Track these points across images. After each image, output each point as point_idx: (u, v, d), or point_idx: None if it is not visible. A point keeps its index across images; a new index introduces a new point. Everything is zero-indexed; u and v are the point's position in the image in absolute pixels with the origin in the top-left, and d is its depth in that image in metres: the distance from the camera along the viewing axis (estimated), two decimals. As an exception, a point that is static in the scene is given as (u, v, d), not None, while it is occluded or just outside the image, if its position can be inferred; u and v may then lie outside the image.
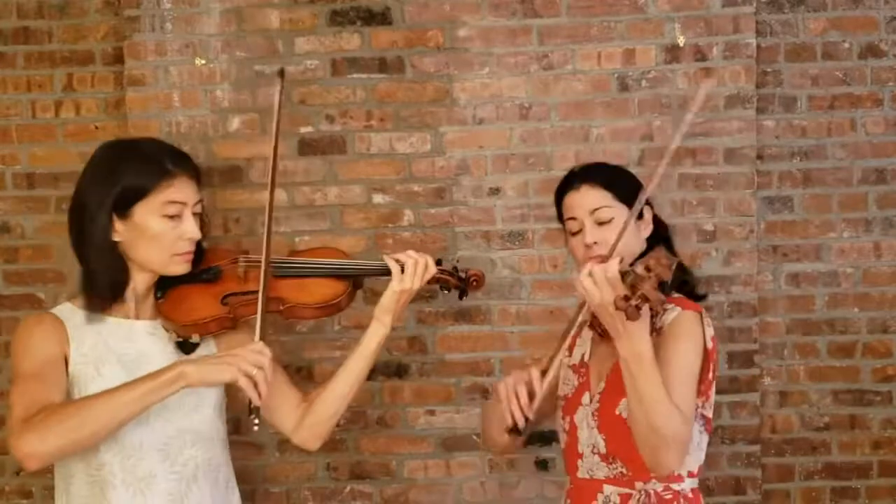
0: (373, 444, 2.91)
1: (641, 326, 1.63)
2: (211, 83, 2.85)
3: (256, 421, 1.70)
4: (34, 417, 1.59)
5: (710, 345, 1.85)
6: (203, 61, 2.84)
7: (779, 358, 2.94)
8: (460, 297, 1.98)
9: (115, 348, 1.77)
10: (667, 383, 1.70)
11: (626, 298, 1.56)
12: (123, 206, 1.73)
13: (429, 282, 1.88)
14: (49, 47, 2.96)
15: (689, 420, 1.75)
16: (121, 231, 1.75)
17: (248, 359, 1.66)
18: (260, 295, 1.77)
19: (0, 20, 2.96)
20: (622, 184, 1.91)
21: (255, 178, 2.86)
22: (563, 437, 1.98)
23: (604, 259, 1.72)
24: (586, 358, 1.98)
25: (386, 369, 2.89)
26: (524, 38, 2.82)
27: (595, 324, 1.84)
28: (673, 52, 2.80)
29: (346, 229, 2.87)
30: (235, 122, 2.86)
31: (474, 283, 1.96)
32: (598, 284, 1.64)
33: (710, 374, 1.86)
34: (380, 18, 2.83)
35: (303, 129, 2.85)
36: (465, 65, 2.83)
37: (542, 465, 2.91)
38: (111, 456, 1.73)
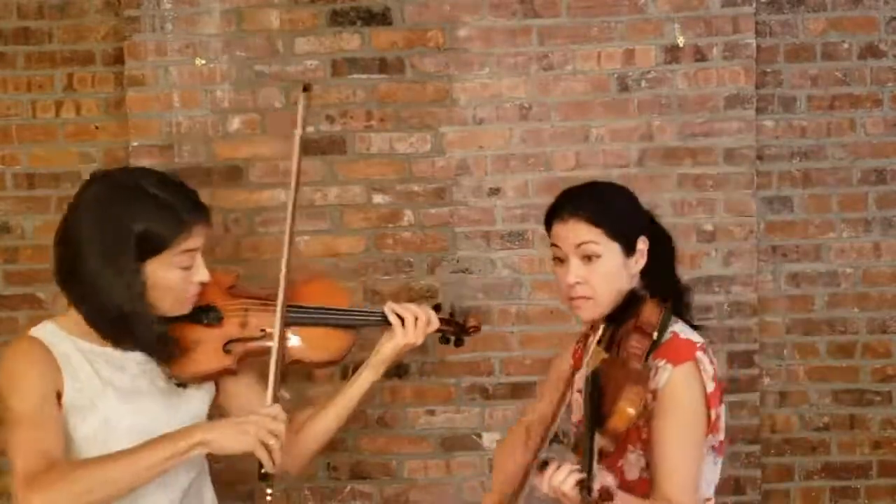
0: (373, 444, 2.91)
1: None
2: (211, 83, 2.85)
3: (269, 491, 1.68)
4: (40, 475, 1.54)
5: (710, 388, 1.73)
6: (203, 61, 2.84)
7: (779, 358, 2.94)
8: (456, 345, 1.94)
9: (108, 378, 1.70)
10: (661, 471, 1.65)
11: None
12: (139, 260, 1.66)
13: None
14: (49, 47, 2.96)
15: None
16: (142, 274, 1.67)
17: (267, 427, 1.63)
18: (273, 352, 1.72)
19: (0, 20, 2.96)
20: (615, 218, 1.77)
21: (255, 178, 2.86)
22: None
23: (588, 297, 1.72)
24: None
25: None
26: (524, 39, 2.82)
27: (603, 338, 1.75)
28: (673, 53, 2.80)
29: (346, 229, 2.87)
30: (235, 123, 2.86)
31: (472, 330, 1.93)
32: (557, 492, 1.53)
33: (714, 416, 1.74)
34: (380, 18, 2.83)
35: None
36: (465, 65, 2.83)
37: (543, 465, 2.90)
38: None
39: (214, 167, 2.84)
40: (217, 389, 1.86)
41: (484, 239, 2.87)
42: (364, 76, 2.85)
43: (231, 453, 1.64)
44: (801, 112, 2.90)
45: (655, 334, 1.70)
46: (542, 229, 2.78)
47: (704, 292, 2.83)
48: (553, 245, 1.81)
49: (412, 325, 1.81)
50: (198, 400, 1.80)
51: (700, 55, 2.80)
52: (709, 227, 2.84)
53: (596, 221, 1.75)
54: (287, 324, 1.78)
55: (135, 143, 2.85)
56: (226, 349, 1.76)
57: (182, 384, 1.76)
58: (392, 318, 1.81)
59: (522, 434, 1.94)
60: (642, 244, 1.80)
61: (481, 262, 2.86)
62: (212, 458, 1.88)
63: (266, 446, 1.62)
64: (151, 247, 1.65)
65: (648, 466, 1.74)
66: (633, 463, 1.76)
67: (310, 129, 2.86)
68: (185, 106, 2.85)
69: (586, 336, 1.95)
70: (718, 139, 2.82)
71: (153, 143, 2.85)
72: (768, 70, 2.88)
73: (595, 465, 1.52)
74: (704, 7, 2.79)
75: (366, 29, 2.83)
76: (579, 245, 1.75)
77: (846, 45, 2.89)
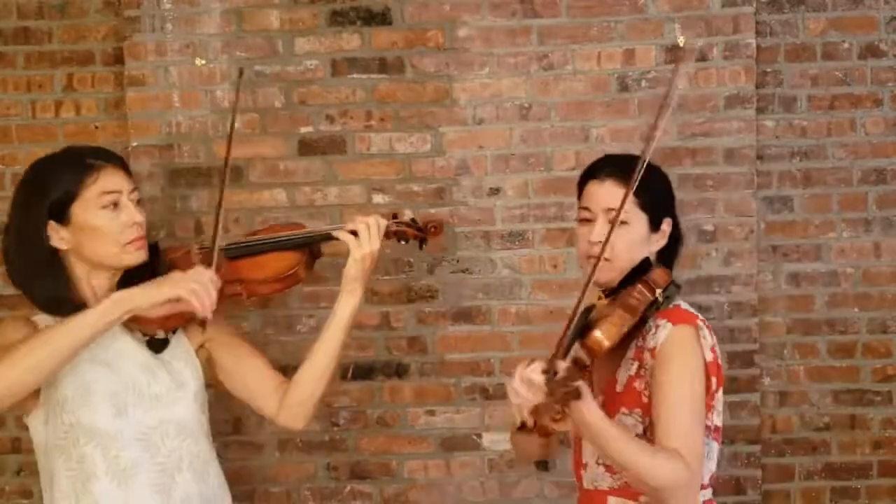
0: (373, 444, 2.91)
1: (581, 403, 1.53)
2: (211, 83, 2.85)
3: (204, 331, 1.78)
4: None
5: (709, 357, 1.75)
6: (203, 61, 2.84)
7: (779, 358, 2.94)
8: (420, 247, 1.95)
9: (91, 348, 1.74)
10: (663, 422, 1.66)
11: (554, 397, 1.50)
12: (60, 213, 1.75)
13: (387, 236, 1.89)
14: (49, 47, 2.96)
15: (692, 460, 1.64)
16: (66, 238, 1.77)
17: (189, 276, 1.69)
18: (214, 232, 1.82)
19: (0, 20, 2.96)
20: (651, 191, 1.79)
21: (255, 178, 2.86)
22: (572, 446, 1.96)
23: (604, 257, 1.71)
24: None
25: (386, 369, 2.89)
26: (524, 39, 2.82)
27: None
28: (673, 53, 2.80)
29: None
30: (236, 123, 2.85)
31: (433, 230, 1.93)
32: (522, 390, 1.55)
33: (714, 386, 1.76)
34: (380, 18, 2.83)
35: (303, 129, 2.85)
36: (465, 65, 2.83)
37: (542, 465, 2.90)
38: (92, 448, 1.74)
39: (214, 167, 2.84)
40: (214, 368, 1.93)
41: (484, 239, 2.86)
42: (364, 76, 2.84)
43: (157, 302, 1.68)
44: (801, 112, 2.90)
45: (659, 293, 1.73)
46: (542, 229, 2.85)
47: (704, 292, 2.83)
48: (582, 207, 1.85)
49: (365, 235, 1.84)
50: (179, 370, 1.85)
51: (700, 55, 2.80)
52: (709, 227, 2.84)
53: (635, 189, 1.75)
54: (234, 258, 1.87)
55: (135, 143, 2.85)
56: None
57: (156, 346, 1.84)
58: (344, 236, 1.86)
59: None
60: (666, 225, 1.84)
61: (481, 262, 2.86)
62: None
63: (192, 291, 1.67)
64: (66, 197, 1.74)
65: (646, 432, 1.74)
66: (629, 427, 1.76)
67: (310, 128, 2.87)
68: (185, 106, 2.85)
69: None
70: (718, 139, 2.82)
71: (153, 143, 2.85)
72: (768, 70, 2.88)
73: (566, 357, 1.59)
74: (704, 7, 2.79)
75: (366, 29, 2.83)
76: (609, 210, 1.77)
77: (846, 45, 2.88)
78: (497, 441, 2.87)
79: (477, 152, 2.85)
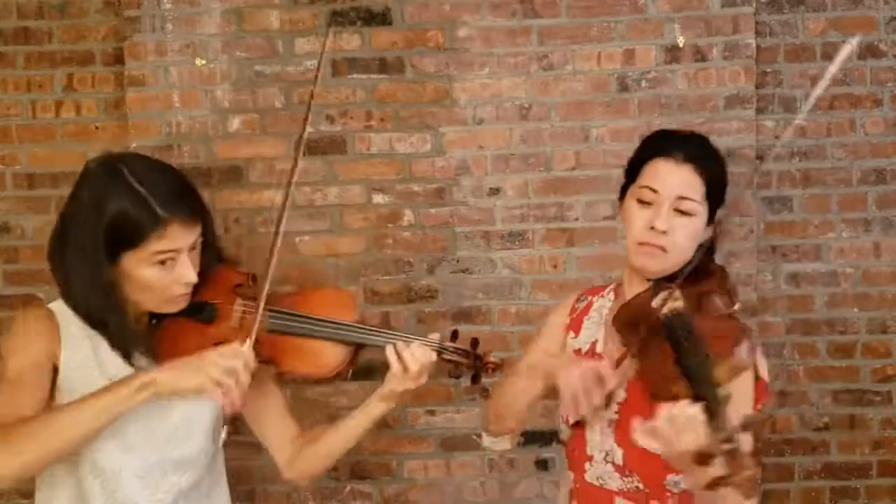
0: (373, 444, 2.91)
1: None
2: (211, 83, 2.85)
3: (223, 436, 1.61)
4: (7, 428, 1.52)
5: (764, 375, 1.62)
6: (203, 61, 2.84)
7: (779, 358, 2.94)
8: (473, 382, 1.78)
9: (105, 362, 1.67)
10: None
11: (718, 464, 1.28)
12: (111, 251, 1.58)
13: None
14: (49, 47, 2.96)
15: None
16: (112, 273, 1.61)
17: (221, 364, 1.52)
18: (258, 317, 1.62)
19: (0, 20, 2.96)
20: (720, 183, 1.65)
21: (255, 179, 2.86)
22: (565, 430, 1.81)
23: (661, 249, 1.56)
24: (599, 347, 1.75)
25: (386, 369, 2.88)
26: (524, 39, 2.82)
27: (620, 328, 1.63)
28: (673, 53, 2.80)
29: (346, 229, 2.87)
30: (235, 123, 2.86)
31: (491, 369, 1.75)
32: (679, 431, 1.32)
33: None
34: (380, 18, 2.83)
35: (303, 130, 2.85)
36: (465, 65, 2.83)
37: (542, 465, 2.92)
38: (92, 479, 1.68)
39: (214, 167, 2.84)
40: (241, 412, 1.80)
41: (484, 239, 2.87)
42: (364, 76, 2.85)
43: (184, 393, 1.54)
44: (801, 112, 2.90)
45: (737, 303, 1.61)
46: (542, 229, 2.85)
47: (704, 292, 2.83)
48: (645, 186, 1.64)
49: (414, 371, 1.68)
50: (194, 403, 1.72)
51: (700, 55, 2.80)
52: (709, 227, 2.84)
53: (709, 178, 1.62)
54: (272, 331, 1.67)
55: (135, 144, 2.85)
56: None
57: None
58: (391, 359, 1.67)
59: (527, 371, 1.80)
60: (720, 216, 1.69)
61: (481, 262, 2.87)
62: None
63: (220, 384, 1.51)
64: (122, 238, 1.57)
65: None
66: None
67: (310, 128, 2.86)
68: (185, 106, 2.85)
69: (582, 303, 1.86)
70: (718, 139, 2.78)
71: (153, 143, 2.84)
72: (768, 70, 2.88)
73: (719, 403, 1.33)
74: (704, 7, 2.79)
75: (366, 29, 2.83)
76: (681, 198, 1.61)
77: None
78: (497, 441, 2.87)
79: (477, 152, 2.85)
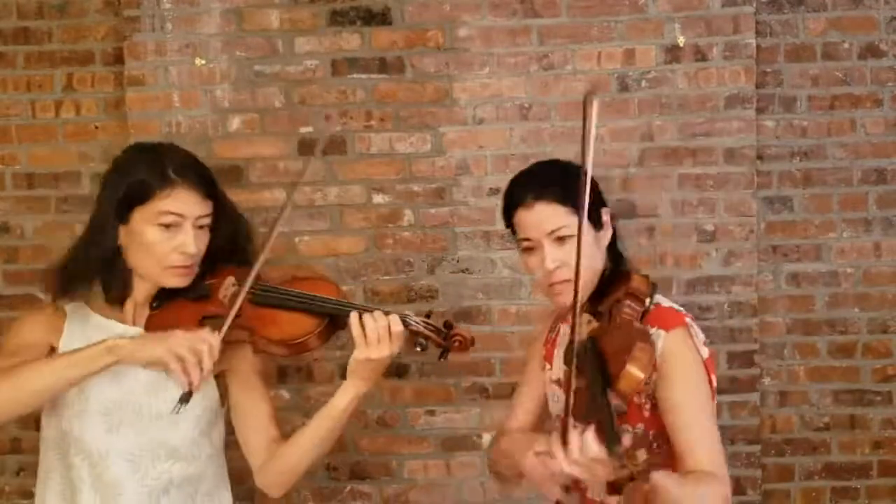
0: (373, 444, 2.91)
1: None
2: (211, 83, 2.85)
3: (178, 409, 1.61)
4: None
5: (705, 354, 1.69)
6: (203, 61, 2.84)
7: (779, 358, 2.94)
8: (439, 358, 1.75)
9: None
10: (685, 446, 1.59)
11: (625, 476, 1.36)
12: (125, 210, 1.69)
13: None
14: (49, 47, 2.96)
15: (723, 472, 1.58)
16: (121, 236, 1.71)
17: (185, 343, 1.58)
18: (239, 299, 1.69)
19: (0, 20, 2.96)
20: (575, 191, 1.61)
21: (255, 178, 2.86)
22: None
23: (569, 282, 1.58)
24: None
25: (386, 369, 2.88)
26: (524, 38, 2.82)
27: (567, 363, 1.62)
28: (673, 53, 2.80)
29: (346, 229, 2.87)
30: (235, 122, 2.86)
31: (458, 345, 1.71)
32: (583, 466, 1.41)
33: (714, 382, 1.71)
34: (380, 18, 2.83)
35: (303, 129, 2.85)
36: (465, 65, 2.83)
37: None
38: (80, 460, 1.70)
39: (214, 167, 2.82)
40: (225, 403, 1.85)
41: (484, 239, 2.86)
42: (364, 76, 2.84)
43: (144, 362, 1.61)
44: (801, 112, 2.90)
45: (648, 300, 1.67)
46: None
47: (704, 292, 2.83)
48: (521, 239, 1.73)
49: (374, 338, 1.68)
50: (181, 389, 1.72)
51: (700, 55, 2.80)
52: (709, 227, 2.84)
53: (562, 199, 1.67)
54: (257, 304, 1.73)
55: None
56: (200, 324, 1.70)
57: None
58: (354, 326, 1.68)
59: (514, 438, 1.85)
60: (606, 215, 1.75)
61: (481, 262, 2.86)
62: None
63: (181, 359, 1.57)
64: (135, 197, 1.68)
65: (653, 445, 1.68)
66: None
67: (310, 128, 2.87)
68: (185, 106, 2.85)
69: (553, 332, 1.89)
70: (719, 139, 2.82)
71: (153, 143, 2.84)
72: (768, 70, 2.88)
73: (615, 423, 1.43)
74: (705, 7, 2.79)
75: (366, 29, 2.83)
76: (553, 230, 1.68)
77: (846, 45, 2.88)
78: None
79: (477, 152, 2.85)
